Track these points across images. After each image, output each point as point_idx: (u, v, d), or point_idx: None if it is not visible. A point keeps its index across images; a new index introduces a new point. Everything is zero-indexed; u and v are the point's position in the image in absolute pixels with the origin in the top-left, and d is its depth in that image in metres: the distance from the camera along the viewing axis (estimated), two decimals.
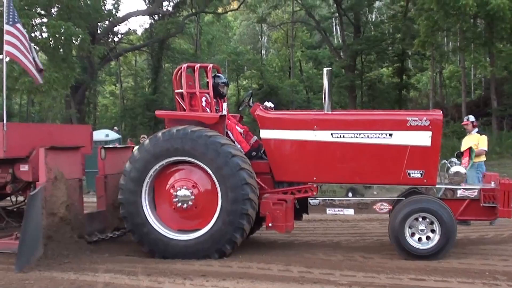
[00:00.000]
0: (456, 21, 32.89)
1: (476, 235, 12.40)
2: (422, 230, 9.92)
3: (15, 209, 12.45)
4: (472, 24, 34.82)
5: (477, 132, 14.71)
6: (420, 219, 9.91)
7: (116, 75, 65.09)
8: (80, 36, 32.53)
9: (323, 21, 56.84)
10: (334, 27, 62.14)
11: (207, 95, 11.19)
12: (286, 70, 62.03)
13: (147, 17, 54.32)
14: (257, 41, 72.02)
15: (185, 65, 11.31)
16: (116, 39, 53.00)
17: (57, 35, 30.52)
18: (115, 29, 50.38)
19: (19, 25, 11.66)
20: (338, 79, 48.51)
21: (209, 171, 10.24)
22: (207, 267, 9.47)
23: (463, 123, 14.85)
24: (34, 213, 9.71)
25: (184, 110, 11.11)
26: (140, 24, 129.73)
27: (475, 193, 10.29)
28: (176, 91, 11.33)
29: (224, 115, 11.01)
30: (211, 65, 11.37)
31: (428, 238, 9.92)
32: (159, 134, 10.58)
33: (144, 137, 20.58)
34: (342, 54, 49.89)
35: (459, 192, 10.36)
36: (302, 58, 63.93)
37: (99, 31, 44.79)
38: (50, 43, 31.10)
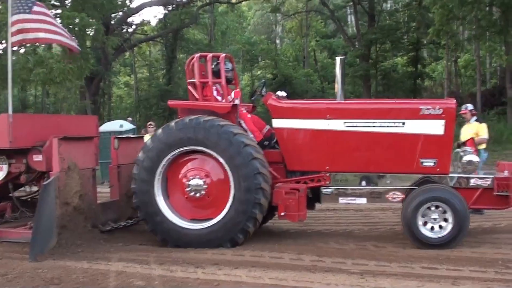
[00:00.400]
0: (471, 9, 32.59)
1: (489, 224, 12.36)
2: (435, 219, 9.91)
3: (29, 199, 12.51)
4: (487, 12, 34.52)
5: (476, 121, 14.59)
6: (433, 208, 9.90)
7: (131, 66, 65.16)
8: (94, 27, 32.56)
9: (338, 10, 56.44)
10: (348, 16, 61.89)
11: (217, 85, 11.21)
12: (300, 59, 61.75)
13: (161, 7, 54.18)
14: (271, 31, 71.76)
15: (197, 55, 11.35)
16: (130, 29, 52.95)
17: (71, 26, 30.47)
18: (129, 19, 50.23)
19: (36, 8, 11.56)
20: (352, 69, 48.25)
21: (221, 160, 10.27)
22: (219, 256, 9.53)
23: (461, 112, 14.56)
24: (47, 203, 9.79)
25: (197, 100, 11.13)
26: (154, 15, 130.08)
27: (489, 182, 10.24)
28: (188, 80, 11.35)
29: (237, 104, 11.01)
30: (223, 55, 11.38)
31: (440, 227, 9.91)
32: (172, 123, 10.62)
33: (151, 124, 20.35)
34: (356, 43, 49.58)
35: (472, 181, 10.32)
36: (316, 47, 63.66)
37: (113, 22, 44.78)
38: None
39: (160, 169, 10.54)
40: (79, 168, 10.68)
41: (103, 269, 8.76)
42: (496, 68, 48.27)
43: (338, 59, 10.90)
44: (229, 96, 11.28)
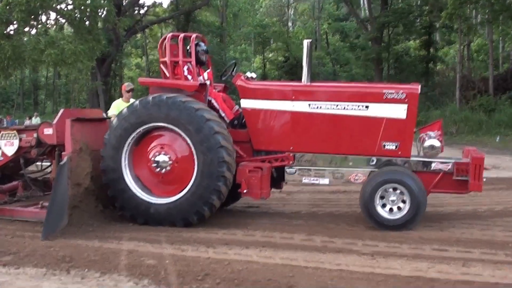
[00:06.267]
0: None
1: (500, 207, 12.33)
2: (392, 201, 10.00)
3: (40, 178, 12.54)
4: None
5: None
6: (391, 190, 9.99)
7: (142, 48, 65.22)
8: (105, 8, 32.53)
9: None
10: None
11: (189, 64, 11.28)
12: (312, 42, 61.74)
13: None
14: (284, 13, 71.70)
15: (169, 35, 11.51)
16: (142, 11, 52.97)
17: (82, 7, 30.49)
18: (141, 1, 50.39)
19: None
20: (364, 52, 48.29)
21: (185, 136, 10.32)
22: (230, 236, 9.57)
23: None
24: (61, 184, 9.77)
25: (168, 78, 11.23)
26: None
27: (449, 167, 10.32)
28: (160, 59, 11.48)
29: (205, 83, 11.11)
30: (194, 35, 11.55)
31: (398, 208, 9.99)
32: (137, 102, 10.73)
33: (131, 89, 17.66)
34: (369, 26, 49.51)
35: (433, 165, 10.41)
36: (328, 30, 63.58)
37: (124, 3, 44.78)
38: (76, 15, 31.10)
39: (126, 147, 10.61)
40: (91, 149, 10.72)
41: (114, 248, 8.77)
42: (508, 53, 48.18)
43: (305, 42, 11.06)
44: (201, 77, 11.38)
